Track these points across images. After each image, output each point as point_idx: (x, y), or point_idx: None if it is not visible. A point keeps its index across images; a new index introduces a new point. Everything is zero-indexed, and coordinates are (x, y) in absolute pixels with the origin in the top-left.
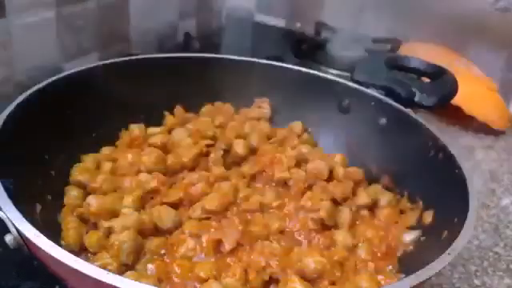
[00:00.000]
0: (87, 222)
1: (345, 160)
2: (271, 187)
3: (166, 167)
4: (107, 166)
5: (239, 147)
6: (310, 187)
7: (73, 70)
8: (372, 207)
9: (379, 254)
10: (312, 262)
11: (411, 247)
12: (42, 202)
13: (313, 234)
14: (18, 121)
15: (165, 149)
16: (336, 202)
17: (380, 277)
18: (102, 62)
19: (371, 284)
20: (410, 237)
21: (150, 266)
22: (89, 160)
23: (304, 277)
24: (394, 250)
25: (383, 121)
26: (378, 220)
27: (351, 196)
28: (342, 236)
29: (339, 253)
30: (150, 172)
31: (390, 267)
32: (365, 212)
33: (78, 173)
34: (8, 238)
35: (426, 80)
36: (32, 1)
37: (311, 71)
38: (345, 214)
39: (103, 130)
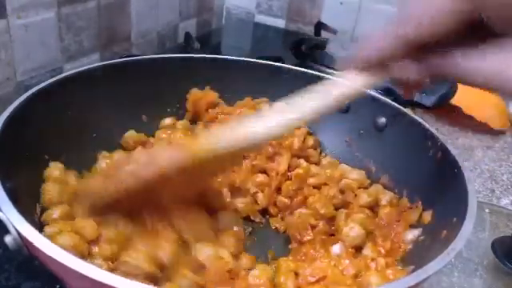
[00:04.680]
0: None
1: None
2: None
3: None
4: None
5: None
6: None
7: (73, 71)
8: (373, 207)
9: (383, 251)
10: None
11: (410, 246)
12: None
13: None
14: (19, 121)
15: None
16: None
17: (388, 271)
18: (102, 63)
19: (381, 280)
20: (410, 236)
21: None
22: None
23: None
24: (398, 247)
25: (383, 121)
26: (379, 219)
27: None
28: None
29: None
30: None
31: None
32: (367, 212)
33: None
34: (8, 239)
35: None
36: (32, 1)
37: (311, 71)
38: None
39: (103, 130)
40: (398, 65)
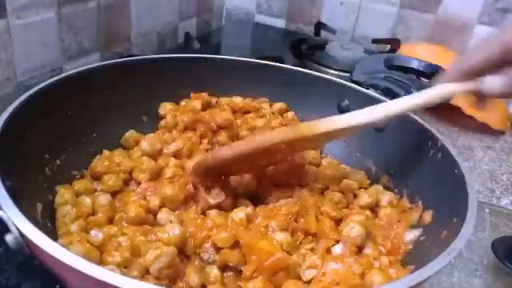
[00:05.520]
0: None
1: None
2: None
3: None
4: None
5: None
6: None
7: (73, 71)
8: (373, 207)
9: (384, 251)
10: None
11: (411, 246)
12: (43, 202)
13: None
14: (19, 121)
15: None
16: None
17: (391, 270)
18: (102, 63)
19: (384, 278)
20: (410, 236)
21: None
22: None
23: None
24: (397, 248)
25: None
26: (380, 219)
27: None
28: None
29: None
30: None
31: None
32: (367, 212)
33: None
34: (8, 238)
35: (425, 80)
36: (32, 1)
37: (311, 71)
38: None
39: (103, 130)
40: (489, 78)
